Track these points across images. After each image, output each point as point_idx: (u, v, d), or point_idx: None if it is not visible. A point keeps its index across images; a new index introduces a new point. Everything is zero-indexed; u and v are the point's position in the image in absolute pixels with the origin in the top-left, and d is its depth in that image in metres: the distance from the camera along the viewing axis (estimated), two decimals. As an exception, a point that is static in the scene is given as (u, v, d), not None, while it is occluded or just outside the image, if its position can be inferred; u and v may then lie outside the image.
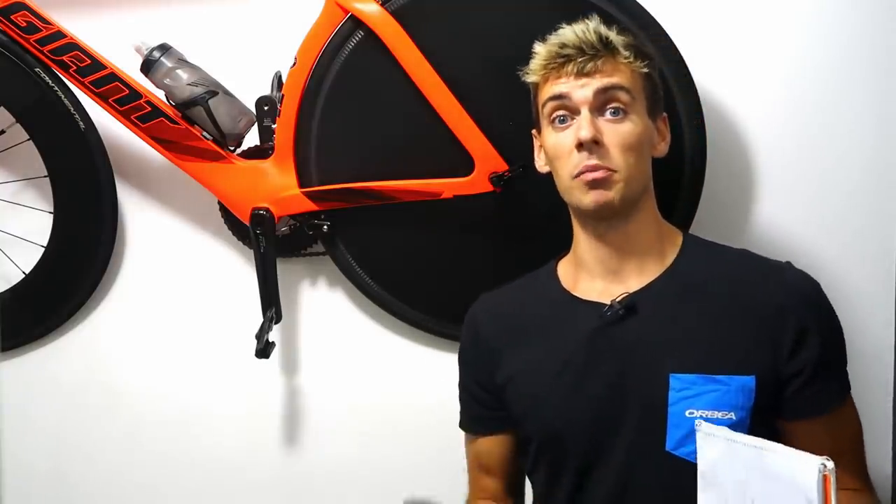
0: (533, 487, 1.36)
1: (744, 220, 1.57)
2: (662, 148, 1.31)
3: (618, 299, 1.24)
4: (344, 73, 1.54)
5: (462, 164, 1.53)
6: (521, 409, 1.30)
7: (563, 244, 1.53)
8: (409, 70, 1.51)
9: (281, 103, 1.57)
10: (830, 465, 0.94)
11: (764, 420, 1.20)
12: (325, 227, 1.60)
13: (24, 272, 1.77)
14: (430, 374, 1.70)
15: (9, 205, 1.78)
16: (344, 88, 1.55)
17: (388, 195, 1.55)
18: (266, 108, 1.60)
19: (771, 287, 1.23)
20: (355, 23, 1.52)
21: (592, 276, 1.29)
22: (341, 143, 1.58)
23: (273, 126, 1.59)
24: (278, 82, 1.61)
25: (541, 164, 1.33)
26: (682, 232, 1.32)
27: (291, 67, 1.55)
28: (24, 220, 1.77)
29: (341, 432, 1.76)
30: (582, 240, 1.29)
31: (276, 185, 1.60)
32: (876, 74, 1.54)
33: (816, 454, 1.18)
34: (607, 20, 1.41)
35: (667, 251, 1.28)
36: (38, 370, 1.82)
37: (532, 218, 1.55)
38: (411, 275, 1.63)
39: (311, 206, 1.59)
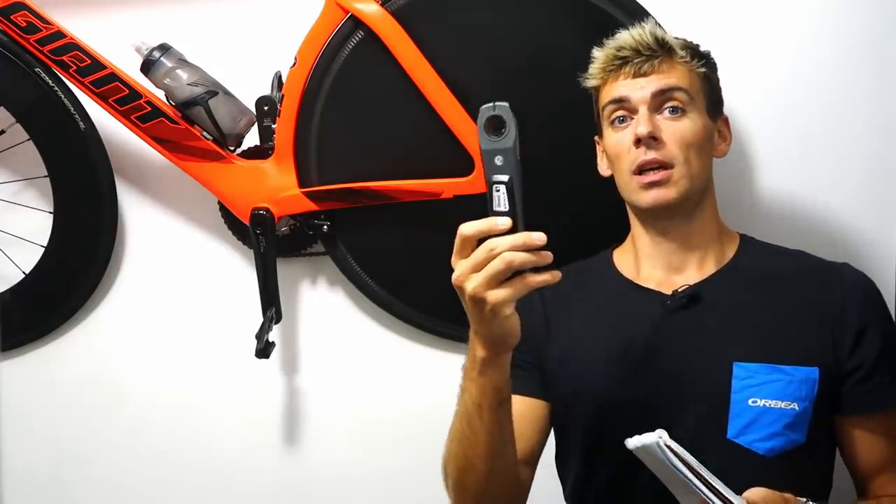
0: (565, 480, 1.35)
1: (742, 218, 1.57)
2: (723, 149, 1.33)
3: (681, 289, 1.26)
4: (344, 73, 1.54)
5: (462, 164, 1.53)
6: (571, 388, 1.29)
7: (563, 244, 1.53)
8: (409, 70, 1.51)
9: (281, 103, 1.57)
10: None
11: (824, 415, 1.22)
12: (325, 227, 1.60)
13: (24, 272, 1.76)
14: (430, 374, 1.70)
15: (9, 205, 1.78)
16: (344, 88, 1.55)
17: (388, 195, 1.55)
18: (266, 108, 1.60)
19: (830, 285, 1.25)
20: (355, 23, 1.52)
21: (653, 266, 1.31)
22: (341, 143, 1.58)
23: (273, 126, 1.59)
24: (278, 82, 1.61)
25: (603, 168, 1.35)
26: (738, 233, 1.35)
27: (291, 67, 1.55)
28: (24, 220, 1.77)
29: (341, 432, 1.76)
30: (642, 237, 1.31)
31: (276, 185, 1.60)
32: (878, 72, 1.54)
33: (873, 457, 1.21)
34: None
35: (726, 249, 1.31)
36: (38, 370, 1.82)
37: (532, 218, 1.54)
38: (411, 275, 1.63)
39: (311, 206, 1.59)
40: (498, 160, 0.97)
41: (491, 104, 0.98)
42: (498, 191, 0.97)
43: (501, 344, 1.06)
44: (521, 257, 0.96)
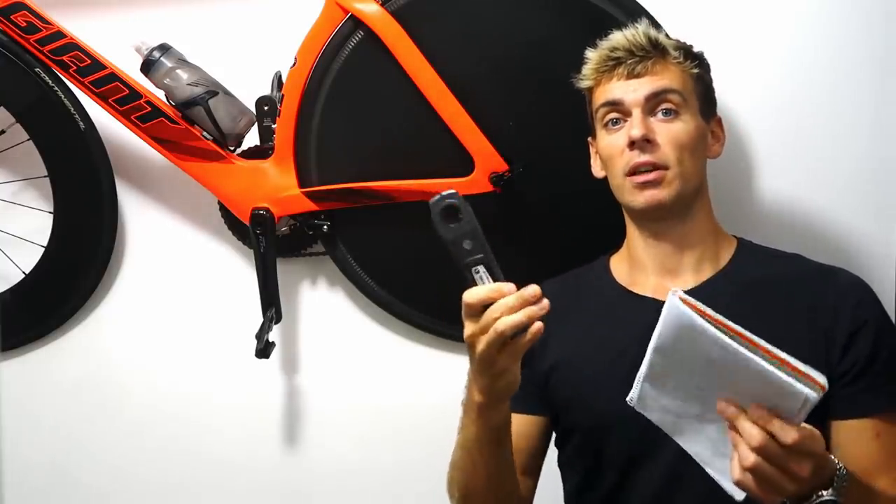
0: (566, 482, 1.36)
1: (741, 220, 1.57)
2: (717, 149, 1.33)
3: None
4: (344, 73, 1.54)
5: (462, 164, 1.53)
6: (567, 396, 1.30)
7: (563, 244, 1.53)
8: (409, 70, 1.51)
9: (281, 103, 1.57)
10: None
11: (817, 420, 1.19)
12: (325, 227, 1.60)
13: (24, 272, 1.76)
14: (430, 374, 1.70)
15: (9, 205, 1.78)
16: (344, 88, 1.55)
17: (388, 195, 1.55)
18: (266, 108, 1.60)
19: (825, 289, 1.24)
20: (355, 23, 1.52)
21: (647, 273, 1.30)
22: (341, 143, 1.58)
23: (273, 126, 1.59)
24: (278, 82, 1.61)
25: (597, 170, 1.35)
26: (735, 236, 1.34)
27: (291, 67, 1.55)
28: (24, 220, 1.77)
29: (341, 432, 1.76)
30: (637, 239, 1.31)
31: (276, 185, 1.60)
32: (872, 71, 1.54)
33: (865, 459, 1.18)
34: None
35: (721, 252, 1.30)
36: (39, 370, 1.82)
37: (532, 218, 1.55)
38: (411, 275, 1.63)
39: (311, 206, 1.59)
40: (466, 244, 1.00)
41: (437, 197, 1.01)
42: (478, 272, 1.00)
43: (500, 394, 1.10)
44: (514, 320, 0.99)
